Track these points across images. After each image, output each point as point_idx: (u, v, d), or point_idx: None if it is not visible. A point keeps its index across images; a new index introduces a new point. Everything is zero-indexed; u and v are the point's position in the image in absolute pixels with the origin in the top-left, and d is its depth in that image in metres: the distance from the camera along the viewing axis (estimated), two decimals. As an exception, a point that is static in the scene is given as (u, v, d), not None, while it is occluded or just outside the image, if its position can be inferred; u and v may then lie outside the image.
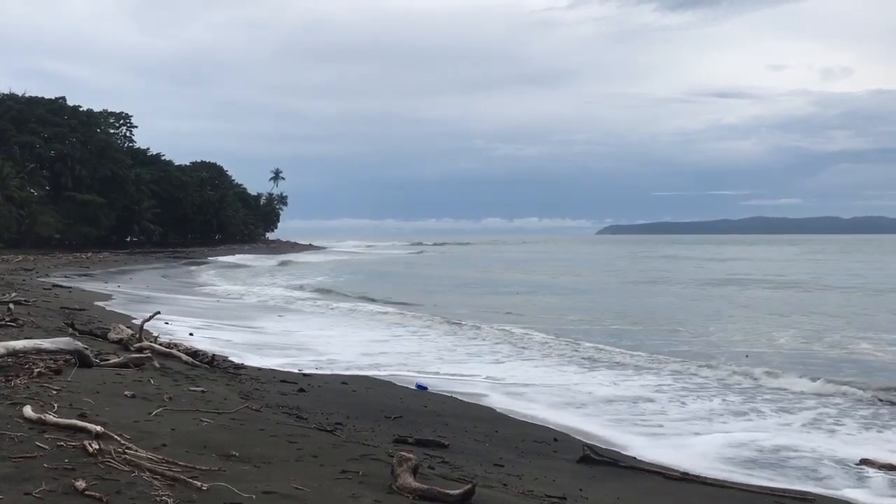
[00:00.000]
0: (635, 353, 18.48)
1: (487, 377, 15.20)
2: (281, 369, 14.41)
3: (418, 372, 15.41)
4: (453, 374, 15.40)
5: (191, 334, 18.63)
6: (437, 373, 15.51)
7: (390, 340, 20.82)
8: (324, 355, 17.34)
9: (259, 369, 14.07)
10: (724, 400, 13.57)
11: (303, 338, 20.71)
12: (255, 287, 42.77)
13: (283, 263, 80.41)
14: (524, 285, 44.53)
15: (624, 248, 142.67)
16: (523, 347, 19.70)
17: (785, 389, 14.46)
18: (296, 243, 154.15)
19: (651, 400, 13.46)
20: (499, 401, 12.91)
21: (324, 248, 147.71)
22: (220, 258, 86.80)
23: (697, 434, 11.14)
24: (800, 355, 18.96)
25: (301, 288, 42.18)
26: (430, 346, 19.68)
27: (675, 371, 16.25)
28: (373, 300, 33.91)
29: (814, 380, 14.80)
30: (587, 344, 19.88)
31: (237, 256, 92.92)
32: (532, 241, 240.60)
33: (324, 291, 39.61)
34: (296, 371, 14.36)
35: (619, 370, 16.51)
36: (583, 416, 12.08)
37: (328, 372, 14.78)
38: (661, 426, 11.66)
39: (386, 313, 28.38)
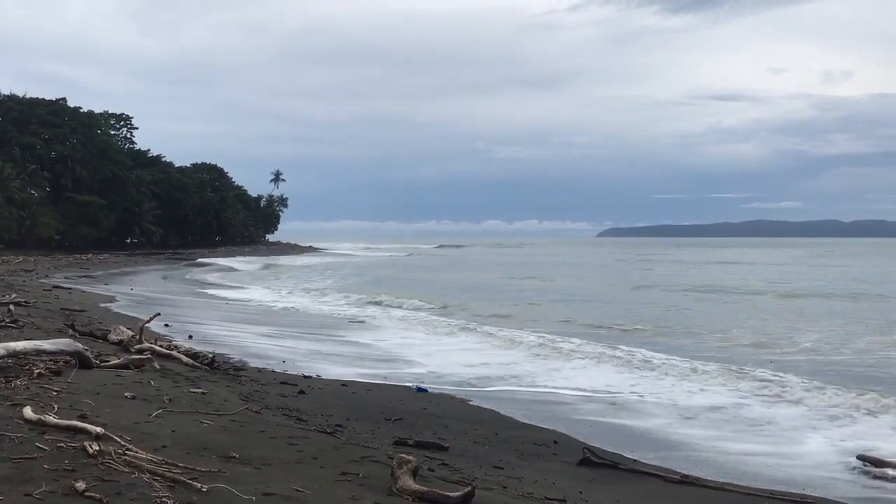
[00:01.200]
0: (683, 358, 18.26)
1: (588, 389, 14.81)
2: (404, 385, 14.30)
3: (528, 386, 14.93)
4: (564, 388, 14.93)
5: (190, 337, 18.53)
6: (556, 388, 14.89)
7: (477, 350, 20.10)
8: (425, 367, 16.94)
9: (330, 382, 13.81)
10: (809, 408, 13.30)
11: (393, 347, 20.09)
12: (278, 291, 41.80)
13: (266, 266, 77.52)
14: (534, 291, 43.58)
15: (624, 251, 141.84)
16: (587, 355, 19.08)
17: (864, 398, 13.81)
18: (296, 245, 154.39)
19: (747, 405, 13.35)
20: (622, 416, 12.66)
21: (322, 250, 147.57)
22: (219, 261, 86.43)
23: (813, 442, 11.11)
24: (834, 362, 18.59)
25: (321, 292, 41.46)
26: (517, 356, 18.97)
27: (739, 377, 15.83)
28: (423, 306, 33.04)
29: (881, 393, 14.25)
30: (639, 350, 19.47)
31: (237, 259, 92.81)
32: (529, 243, 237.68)
33: (347, 294, 38.87)
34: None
35: (689, 376, 16.13)
36: (708, 429, 11.82)
37: (448, 388, 14.35)
38: (778, 436, 11.52)
39: (444, 320, 27.18)
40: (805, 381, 15.25)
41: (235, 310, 29.78)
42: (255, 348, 17.94)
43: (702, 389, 14.85)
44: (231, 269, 69.09)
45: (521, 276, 57.89)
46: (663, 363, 17.65)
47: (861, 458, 10.01)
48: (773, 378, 15.64)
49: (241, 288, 43.90)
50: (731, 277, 57.62)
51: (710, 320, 28.09)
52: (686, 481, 8.71)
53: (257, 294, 39.27)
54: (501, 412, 12.28)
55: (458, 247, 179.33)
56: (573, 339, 21.45)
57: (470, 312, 30.06)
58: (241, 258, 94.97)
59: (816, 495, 8.68)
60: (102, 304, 26.49)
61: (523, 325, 25.67)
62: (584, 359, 18.51)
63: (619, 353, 19.04)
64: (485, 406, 12.72)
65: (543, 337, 21.87)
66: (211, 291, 40.32)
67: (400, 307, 32.54)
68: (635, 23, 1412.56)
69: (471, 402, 12.98)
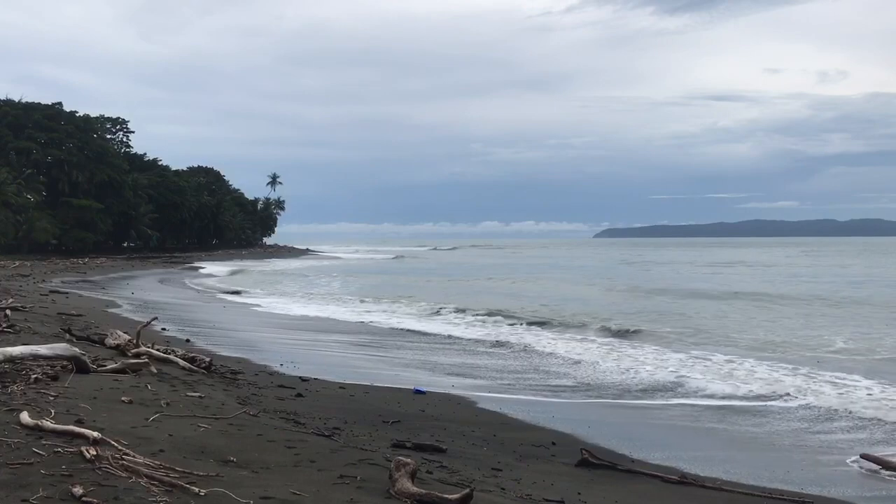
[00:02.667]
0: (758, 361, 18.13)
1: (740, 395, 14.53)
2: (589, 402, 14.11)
3: (705, 397, 14.52)
4: (732, 394, 14.66)
5: (188, 340, 18.54)
6: (749, 398, 14.42)
7: (602, 356, 19.49)
8: (573, 377, 16.52)
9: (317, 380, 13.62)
10: None
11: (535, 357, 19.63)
12: (292, 296, 41.14)
13: (233, 272, 72.16)
14: (542, 295, 42.76)
15: (623, 252, 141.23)
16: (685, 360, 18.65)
17: None
18: (293, 248, 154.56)
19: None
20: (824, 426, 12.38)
21: (318, 253, 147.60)
22: (217, 263, 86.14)
23: None
24: (877, 362, 18.50)
25: (333, 296, 40.89)
26: (649, 356, 18.84)
27: (828, 381, 15.57)
28: (440, 308, 32.80)
29: None
30: (713, 355, 19.19)
31: (234, 262, 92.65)
32: (526, 245, 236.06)
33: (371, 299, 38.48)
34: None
35: (796, 380, 15.79)
36: None
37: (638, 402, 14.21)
38: None
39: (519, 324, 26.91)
40: (872, 381, 15.25)
41: (276, 320, 28.70)
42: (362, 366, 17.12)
43: (834, 391, 14.58)
44: (232, 273, 68.78)
45: (528, 282, 57.24)
46: (753, 368, 17.27)
47: (864, 456, 10.01)
48: (852, 382, 15.44)
49: (247, 292, 43.09)
50: (733, 279, 57.51)
51: (728, 322, 27.90)
52: (684, 481, 8.71)
53: (274, 300, 38.03)
54: (503, 413, 12.27)
55: (450, 249, 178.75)
56: (644, 346, 21.36)
57: (507, 317, 29.22)
58: (239, 261, 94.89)
59: (815, 494, 8.68)
60: (104, 309, 26.35)
61: (568, 329, 25.48)
62: (685, 364, 18.01)
63: (702, 357, 18.78)
64: (485, 407, 12.72)
65: (612, 342, 21.94)
66: (238, 300, 38.13)
67: (439, 312, 31.90)
68: (631, 24, 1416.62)
69: (475, 405, 12.96)
